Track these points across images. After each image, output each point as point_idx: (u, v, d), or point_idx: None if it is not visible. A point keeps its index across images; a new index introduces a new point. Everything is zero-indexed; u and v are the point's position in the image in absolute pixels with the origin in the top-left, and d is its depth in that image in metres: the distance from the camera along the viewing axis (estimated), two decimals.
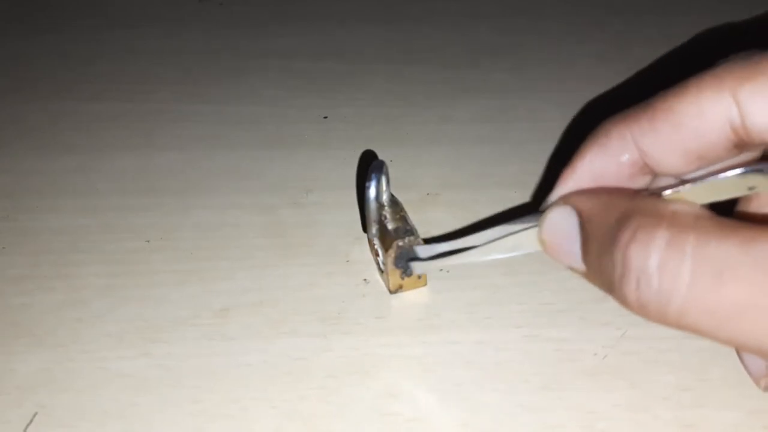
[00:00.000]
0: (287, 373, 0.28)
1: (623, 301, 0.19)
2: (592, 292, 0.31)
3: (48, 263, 0.34)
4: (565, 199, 0.23)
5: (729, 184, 0.21)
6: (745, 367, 0.27)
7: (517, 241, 0.25)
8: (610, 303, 0.30)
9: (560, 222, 0.22)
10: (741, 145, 0.20)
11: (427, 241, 0.30)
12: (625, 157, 0.22)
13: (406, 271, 0.30)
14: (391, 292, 0.31)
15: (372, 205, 0.29)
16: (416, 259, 0.30)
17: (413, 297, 0.31)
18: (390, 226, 0.30)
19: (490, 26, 0.52)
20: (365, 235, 0.34)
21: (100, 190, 0.38)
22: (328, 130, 0.42)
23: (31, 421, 0.27)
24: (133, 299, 0.32)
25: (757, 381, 0.26)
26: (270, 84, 0.47)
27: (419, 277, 0.31)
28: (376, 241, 0.30)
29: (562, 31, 0.51)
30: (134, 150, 0.41)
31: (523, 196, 0.37)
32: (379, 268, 0.32)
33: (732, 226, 0.18)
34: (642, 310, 0.19)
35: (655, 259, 0.18)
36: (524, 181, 0.38)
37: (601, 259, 0.20)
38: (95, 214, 0.37)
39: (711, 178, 0.21)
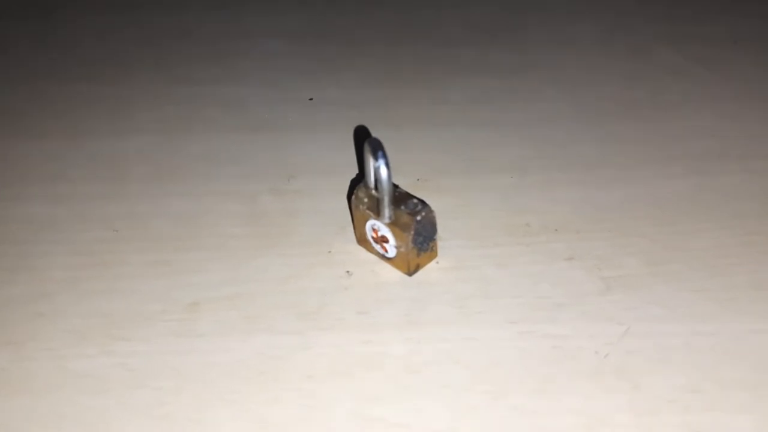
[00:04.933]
0: (261, 373, 0.26)
1: None
2: (593, 284, 0.28)
3: (11, 254, 0.32)
4: None
5: None
6: None
7: None
8: (613, 296, 0.28)
9: None
10: None
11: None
12: None
13: (423, 247, 0.29)
14: (409, 274, 0.29)
15: (390, 187, 0.27)
16: None
17: (399, 290, 0.29)
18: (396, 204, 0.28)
19: (488, 2, 0.49)
20: (350, 223, 0.32)
21: (70, 177, 0.36)
22: (313, 112, 0.40)
23: None
24: (98, 292, 0.29)
25: None
26: (253, 64, 0.44)
27: (432, 249, 0.29)
28: (385, 227, 0.28)
29: (564, 9, 0.49)
30: (109, 134, 0.39)
31: (521, 181, 0.34)
32: (382, 256, 0.29)
33: None
34: None
35: None
36: (521, 165, 0.35)
37: None
38: (63, 202, 0.34)
39: None
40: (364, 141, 0.28)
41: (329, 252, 0.31)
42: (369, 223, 0.29)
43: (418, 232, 0.28)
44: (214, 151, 0.37)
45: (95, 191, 0.35)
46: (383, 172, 0.27)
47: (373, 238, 0.29)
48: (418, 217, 0.28)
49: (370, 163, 0.28)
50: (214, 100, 0.41)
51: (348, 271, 0.30)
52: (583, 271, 0.29)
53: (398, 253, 0.29)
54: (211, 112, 0.40)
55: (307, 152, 0.37)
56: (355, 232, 0.31)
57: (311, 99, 0.41)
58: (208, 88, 0.42)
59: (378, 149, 0.27)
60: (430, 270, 0.30)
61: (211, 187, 0.35)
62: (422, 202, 0.28)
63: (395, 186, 0.29)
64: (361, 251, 0.31)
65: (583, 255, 0.30)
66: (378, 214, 0.28)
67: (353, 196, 0.29)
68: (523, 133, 0.38)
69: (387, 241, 0.29)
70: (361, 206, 0.29)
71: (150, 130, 0.39)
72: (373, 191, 0.28)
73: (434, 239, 0.29)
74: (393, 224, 0.28)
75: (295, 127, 0.39)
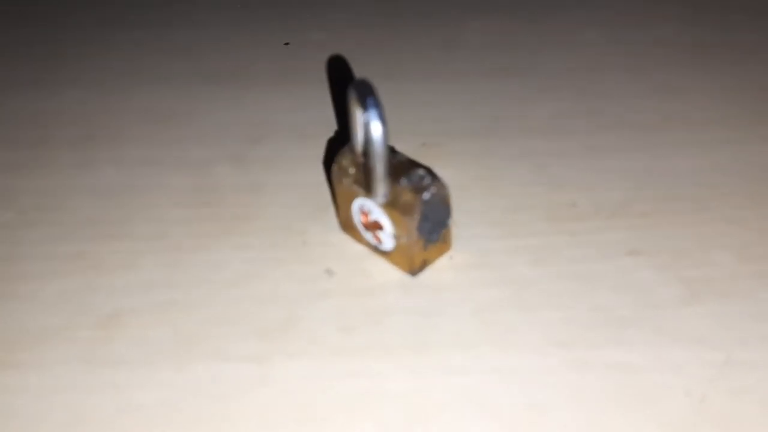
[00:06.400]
0: (199, 421, 0.18)
1: None
2: (670, 289, 0.20)
3: None
4: None
5: None
6: None
7: None
8: (701, 307, 0.20)
9: None
10: None
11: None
12: None
13: (431, 237, 0.21)
14: (413, 273, 0.21)
15: (385, 151, 0.19)
16: None
17: (399, 297, 0.21)
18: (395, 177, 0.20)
19: None
20: (331, 203, 0.24)
21: None
22: (289, 59, 0.33)
23: None
24: None
25: None
26: (214, 1, 0.36)
27: (443, 239, 0.22)
28: (379, 209, 0.20)
29: None
30: (30, 87, 0.33)
31: (561, 146, 0.26)
32: (376, 249, 0.21)
33: None
34: None
35: None
36: (557, 125, 0.27)
37: None
38: None
39: None
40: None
41: (303, 243, 0.23)
42: (357, 203, 0.21)
43: (426, 216, 0.20)
44: (158, 109, 0.30)
45: (1, 160, 0.27)
46: (375, 128, 0.18)
47: (362, 223, 0.21)
48: (426, 195, 0.20)
49: (357, 116, 0.19)
50: (161, 44, 0.34)
51: (328, 270, 0.22)
52: (655, 271, 0.21)
53: (398, 245, 0.21)
54: (156, 60, 0.33)
55: (278, 110, 0.29)
56: (338, 215, 0.23)
57: (287, 43, 0.33)
58: (157, 31, 0.35)
59: (367, 95, 0.18)
60: (441, 268, 0.22)
61: (151, 153, 0.27)
62: (430, 172, 0.20)
63: (393, 150, 0.21)
64: (347, 242, 0.23)
65: (653, 248, 0.22)
66: (369, 191, 0.20)
67: (334, 166, 0.21)
68: (561, 84, 0.30)
69: (382, 229, 0.21)
70: (345, 179, 0.21)
71: (83, 82, 0.32)
72: (362, 158, 0.20)
73: (447, 225, 0.21)
74: (390, 205, 0.20)
75: (265, 78, 0.31)
